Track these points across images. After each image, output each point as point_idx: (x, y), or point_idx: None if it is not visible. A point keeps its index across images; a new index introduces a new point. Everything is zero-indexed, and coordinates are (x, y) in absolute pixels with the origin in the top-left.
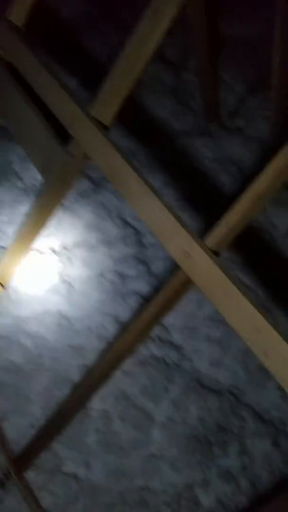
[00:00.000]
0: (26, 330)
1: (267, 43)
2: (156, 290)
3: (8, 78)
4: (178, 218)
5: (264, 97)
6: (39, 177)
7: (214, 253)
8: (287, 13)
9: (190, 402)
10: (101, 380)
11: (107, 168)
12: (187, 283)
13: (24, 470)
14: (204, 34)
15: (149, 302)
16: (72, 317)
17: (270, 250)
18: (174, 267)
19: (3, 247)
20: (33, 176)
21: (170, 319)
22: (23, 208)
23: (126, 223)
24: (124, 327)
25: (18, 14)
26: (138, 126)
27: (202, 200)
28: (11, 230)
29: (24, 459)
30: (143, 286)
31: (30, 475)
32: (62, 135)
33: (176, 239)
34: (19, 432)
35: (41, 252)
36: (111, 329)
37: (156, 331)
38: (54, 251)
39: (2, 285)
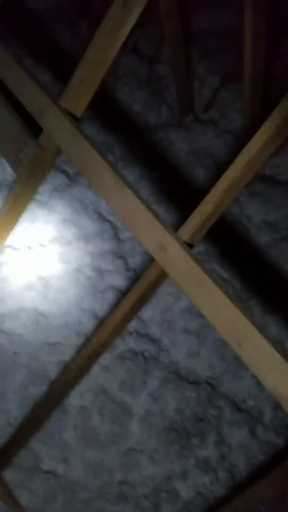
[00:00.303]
0: (1, 327)
1: (240, 35)
2: (134, 284)
3: None
4: (152, 212)
5: (237, 89)
6: (10, 171)
7: (189, 245)
8: (257, 5)
9: (168, 394)
10: (79, 376)
11: (79, 161)
12: (162, 276)
13: (1, 469)
14: (177, 27)
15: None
16: (48, 313)
17: (245, 242)
18: (151, 261)
19: None
20: (5, 170)
21: (147, 312)
22: None
23: (102, 217)
24: (101, 323)
25: None
26: (114, 120)
27: (178, 193)
28: None
29: (1, 458)
30: (120, 281)
31: (8, 473)
32: (34, 127)
33: (151, 232)
34: None
35: (15, 249)
36: (88, 324)
37: (134, 324)
38: (29, 247)
39: None
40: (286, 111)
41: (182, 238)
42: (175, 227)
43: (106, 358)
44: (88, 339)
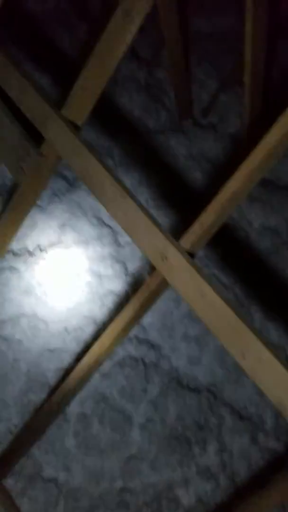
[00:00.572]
0: (0, 334)
1: (239, 39)
2: (133, 289)
3: None
4: (153, 220)
5: (236, 93)
6: (9, 175)
7: (190, 255)
8: (257, 9)
9: (169, 402)
10: (79, 383)
11: (80, 170)
12: (163, 284)
13: (2, 477)
14: (176, 31)
15: (126, 302)
16: (48, 319)
17: (246, 247)
18: (151, 266)
19: None
20: (5, 177)
21: (147, 318)
22: None
23: (102, 222)
24: (101, 329)
25: None
26: (112, 124)
27: (178, 198)
28: None
29: (2, 466)
30: (120, 286)
31: (9, 481)
32: (35, 136)
33: (152, 241)
34: None
35: (15, 254)
36: (88, 330)
37: (134, 330)
38: (29, 252)
39: None
40: None
41: (183, 248)
42: (174, 231)
43: (105, 365)
44: (88, 345)
